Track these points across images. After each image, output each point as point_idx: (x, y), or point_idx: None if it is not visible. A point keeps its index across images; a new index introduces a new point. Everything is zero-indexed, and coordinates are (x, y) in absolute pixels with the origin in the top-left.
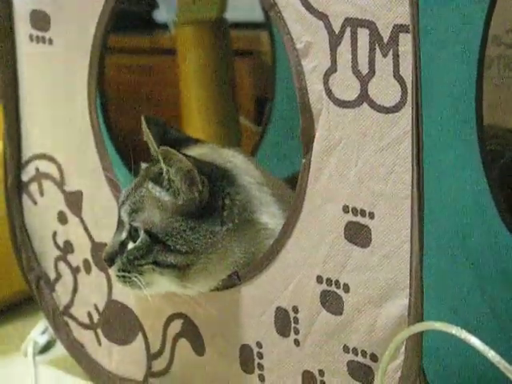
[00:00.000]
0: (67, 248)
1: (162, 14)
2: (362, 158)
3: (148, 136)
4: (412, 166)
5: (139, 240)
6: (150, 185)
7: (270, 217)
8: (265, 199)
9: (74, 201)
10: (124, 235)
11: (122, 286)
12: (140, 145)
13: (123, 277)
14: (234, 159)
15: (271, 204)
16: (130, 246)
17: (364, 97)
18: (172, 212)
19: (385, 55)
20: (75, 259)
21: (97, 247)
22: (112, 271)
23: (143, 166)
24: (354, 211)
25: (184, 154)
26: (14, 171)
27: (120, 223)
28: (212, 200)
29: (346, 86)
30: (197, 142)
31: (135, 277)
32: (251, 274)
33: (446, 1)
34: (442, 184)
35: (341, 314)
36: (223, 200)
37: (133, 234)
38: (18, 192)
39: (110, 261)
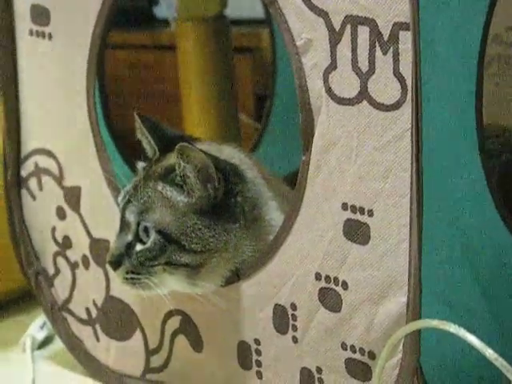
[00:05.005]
0: (66, 243)
1: (162, 10)
2: (362, 156)
3: (144, 134)
4: (411, 164)
5: (151, 240)
6: (160, 185)
7: (274, 213)
8: (268, 196)
9: (73, 196)
10: (130, 237)
11: (129, 288)
12: (139, 142)
13: (132, 279)
14: (235, 155)
15: (273, 200)
16: (139, 247)
17: (364, 94)
18: (185, 211)
19: (385, 53)
20: (74, 255)
21: (95, 243)
22: (118, 274)
23: (140, 164)
24: (353, 209)
25: (201, 150)
26: (13, 166)
27: (124, 224)
28: (226, 197)
29: (346, 83)
30: (193, 139)
31: (146, 278)
32: (250, 271)
33: None
34: (440, 182)
35: (339, 311)
36: (236, 197)
37: (141, 235)
38: (17, 187)
39: (117, 263)
